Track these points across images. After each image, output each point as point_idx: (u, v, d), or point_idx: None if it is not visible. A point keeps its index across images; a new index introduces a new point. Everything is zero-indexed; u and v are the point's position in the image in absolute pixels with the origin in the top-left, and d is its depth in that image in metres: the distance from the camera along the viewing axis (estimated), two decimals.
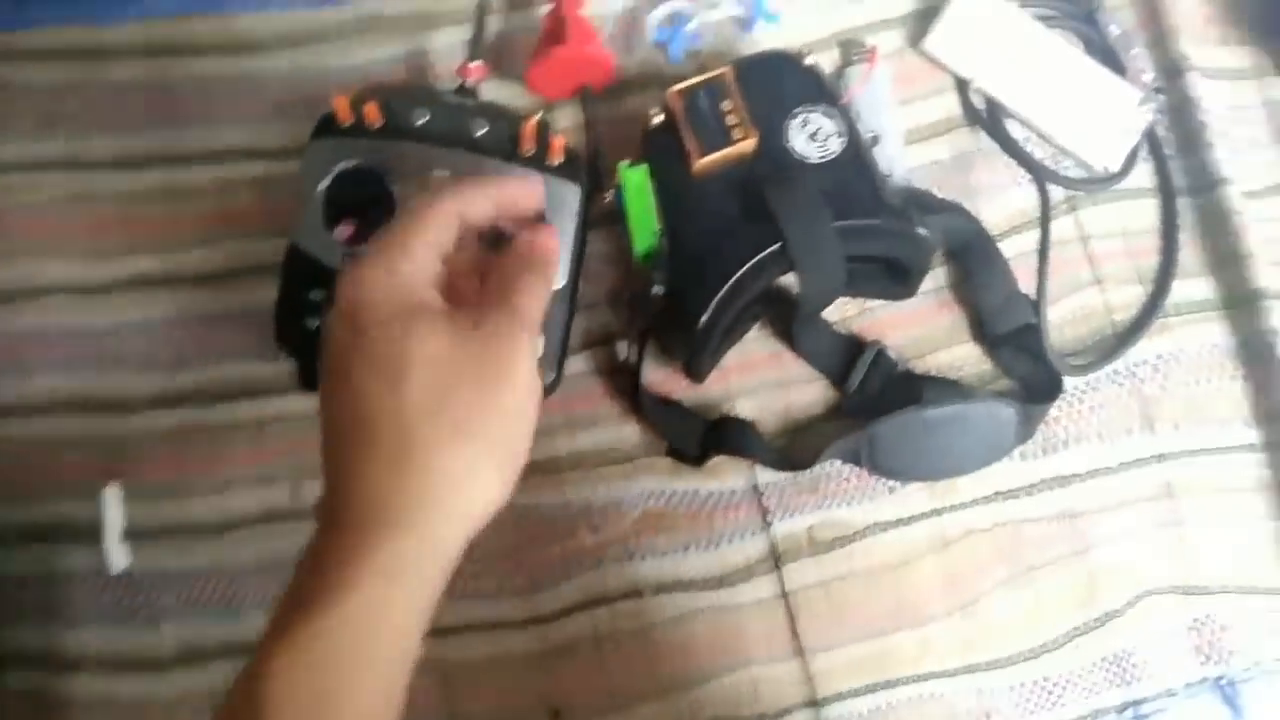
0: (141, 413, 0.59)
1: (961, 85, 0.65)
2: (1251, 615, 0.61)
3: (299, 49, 0.63)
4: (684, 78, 0.60)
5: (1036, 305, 0.60)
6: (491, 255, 0.44)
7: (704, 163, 0.55)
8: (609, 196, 0.57)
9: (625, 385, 0.59)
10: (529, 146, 0.54)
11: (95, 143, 0.62)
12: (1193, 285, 0.64)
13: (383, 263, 0.39)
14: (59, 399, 0.60)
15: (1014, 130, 0.65)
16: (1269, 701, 0.60)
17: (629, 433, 0.60)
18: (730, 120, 0.55)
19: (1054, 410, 0.61)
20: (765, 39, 0.64)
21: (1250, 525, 0.62)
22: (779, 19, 0.64)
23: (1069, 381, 0.60)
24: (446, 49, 0.63)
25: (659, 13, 0.62)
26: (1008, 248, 0.63)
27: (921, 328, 0.62)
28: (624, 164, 0.56)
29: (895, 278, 0.59)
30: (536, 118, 0.54)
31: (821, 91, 0.57)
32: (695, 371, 0.57)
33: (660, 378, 0.60)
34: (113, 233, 0.61)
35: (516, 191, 0.44)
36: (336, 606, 0.35)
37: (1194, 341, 0.63)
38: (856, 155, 0.56)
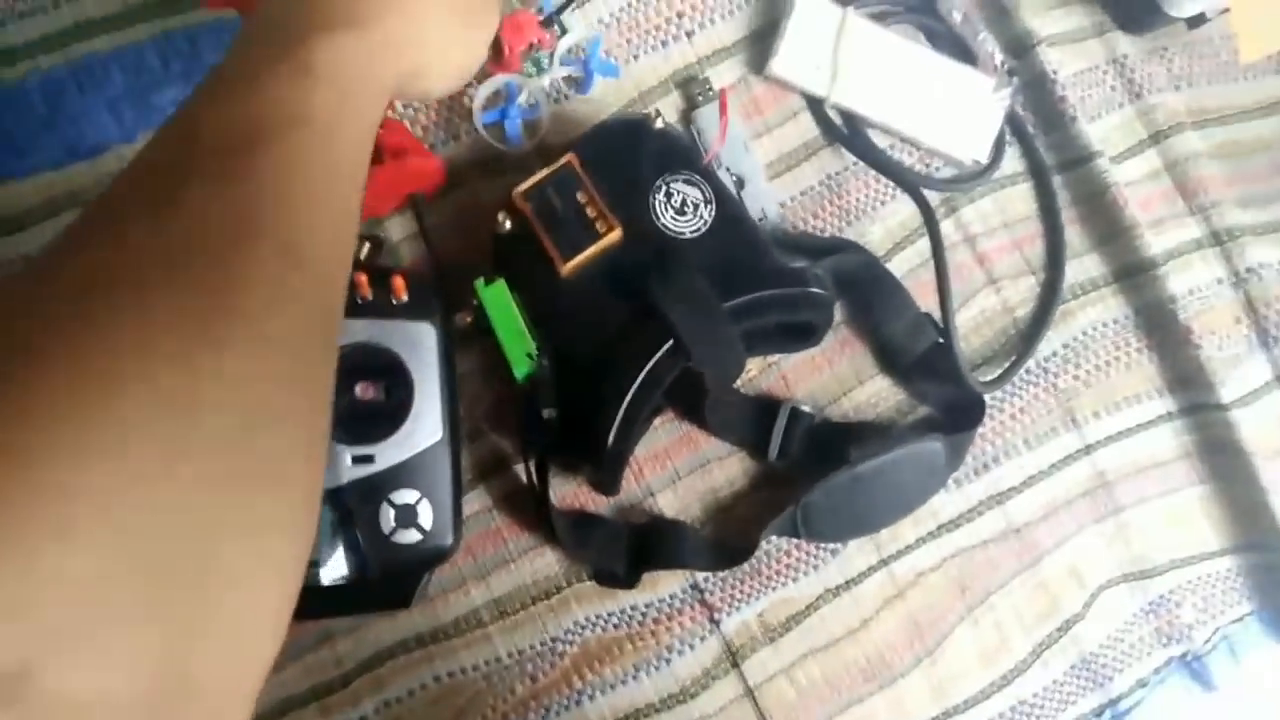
0: None
1: (814, 104, 0.61)
2: (1200, 584, 0.61)
3: (57, 219, 0.53)
4: (525, 157, 0.54)
5: (941, 323, 0.57)
6: None
7: (571, 265, 0.49)
8: (468, 317, 0.50)
9: (531, 513, 0.54)
10: (365, 294, 0.47)
11: None
12: (1083, 264, 0.62)
13: None
14: None
15: (878, 140, 0.61)
16: (1236, 669, 0.60)
17: (548, 562, 0.54)
18: (589, 212, 0.50)
19: (979, 427, 0.58)
20: (604, 94, 0.58)
21: (1181, 494, 0.62)
22: (619, 70, 0.58)
23: (987, 396, 0.58)
24: None
25: (482, 94, 0.55)
26: (898, 265, 0.60)
27: (829, 371, 0.58)
28: (479, 281, 0.50)
29: (797, 334, 0.54)
30: (363, 254, 0.47)
31: (678, 156, 0.52)
32: (609, 489, 0.52)
33: (567, 492, 0.55)
34: None
35: None
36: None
37: (1096, 322, 0.61)
38: (732, 220, 0.51)
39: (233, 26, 0.54)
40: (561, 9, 0.56)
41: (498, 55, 0.54)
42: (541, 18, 0.55)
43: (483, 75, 0.55)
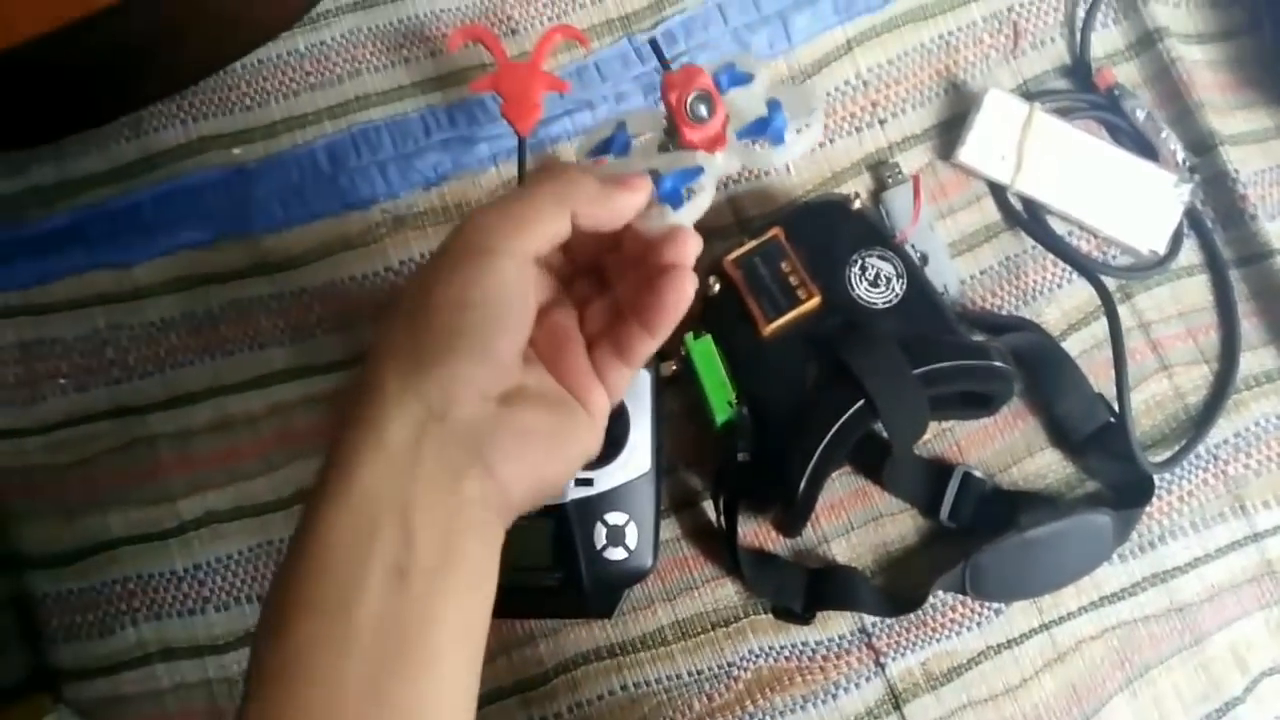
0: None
1: (997, 190, 0.65)
2: None
3: (331, 259, 0.62)
4: (726, 227, 0.60)
5: (1114, 404, 0.60)
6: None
7: (773, 327, 0.55)
8: (674, 366, 0.57)
9: (717, 546, 0.59)
10: None
11: (141, 385, 0.60)
12: (1258, 356, 0.64)
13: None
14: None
15: (1056, 226, 0.65)
16: None
17: (729, 593, 0.59)
18: (792, 280, 0.55)
19: (1147, 506, 0.60)
20: (801, 173, 0.64)
21: None
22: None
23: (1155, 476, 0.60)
24: None
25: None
26: (1072, 345, 0.63)
27: (1001, 441, 0.62)
28: (689, 336, 0.56)
29: (976, 402, 0.59)
30: None
31: (874, 234, 0.57)
32: (792, 532, 0.57)
33: (750, 531, 0.60)
34: (173, 474, 0.59)
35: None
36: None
37: (1269, 414, 0.63)
38: (921, 294, 0.56)
39: (486, 104, 0.63)
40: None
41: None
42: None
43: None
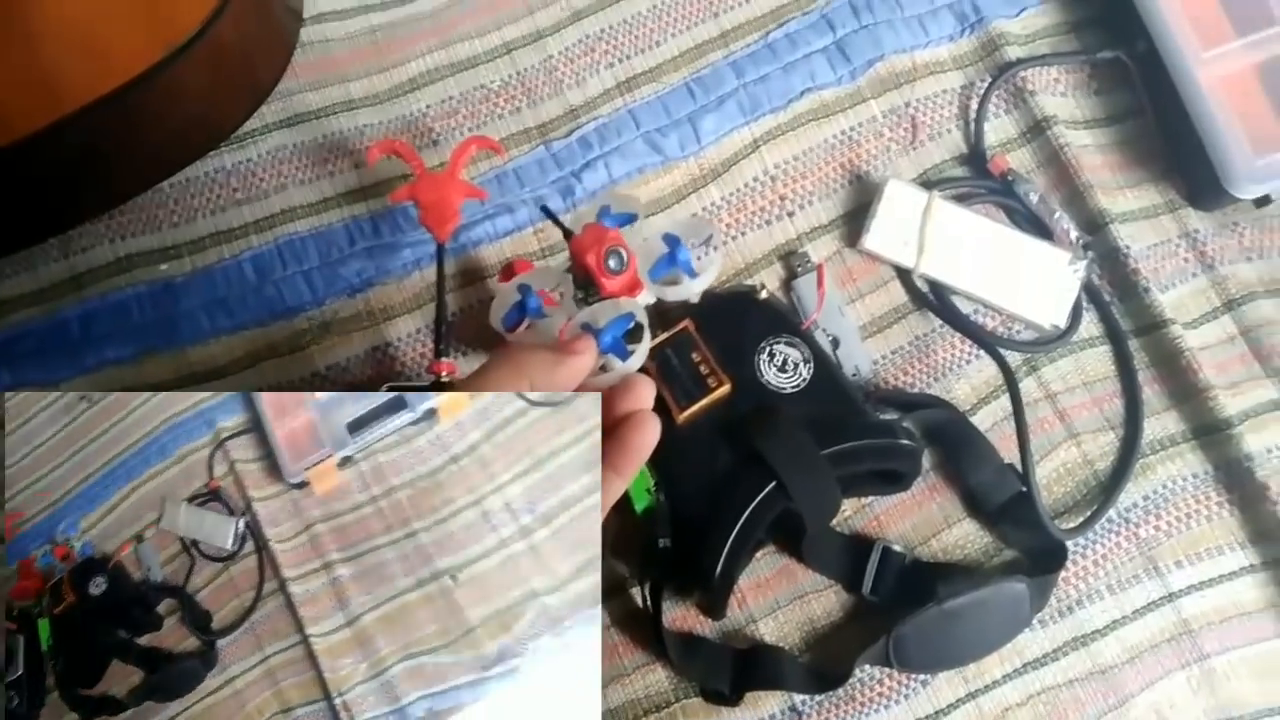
0: None
1: (903, 274, 0.68)
2: None
3: (257, 368, 0.63)
4: None
5: (1023, 474, 0.62)
6: None
7: (686, 415, 0.57)
8: None
9: (646, 632, 0.60)
10: None
11: None
12: (1161, 421, 0.66)
13: None
14: None
15: (961, 305, 0.68)
16: None
17: (659, 678, 0.60)
18: (702, 369, 0.58)
19: (1062, 571, 0.62)
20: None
21: (1267, 644, 0.63)
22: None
23: (1070, 542, 0.62)
24: (408, 337, 0.65)
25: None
26: (982, 419, 0.65)
27: (919, 514, 0.64)
28: None
29: (888, 478, 0.60)
30: None
31: (781, 322, 0.60)
32: (715, 614, 0.58)
33: (677, 615, 0.61)
34: None
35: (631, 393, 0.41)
36: None
37: (1175, 476, 0.65)
38: (828, 377, 0.59)
39: (409, 211, 0.65)
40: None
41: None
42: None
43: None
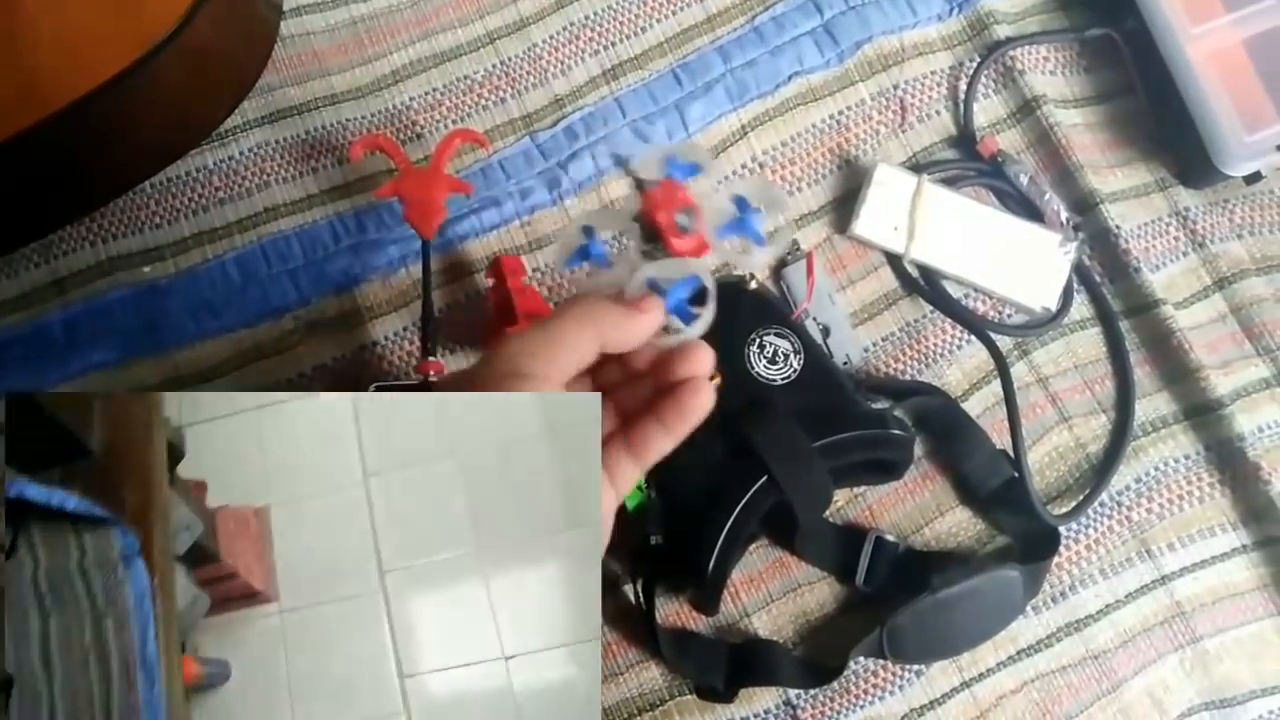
0: None
1: (893, 260, 0.68)
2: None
3: (244, 369, 0.63)
4: None
5: (1015, 460, 0.62)
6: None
7: None
8: None
9: (638, 629, 0.60)
10: None
11: None
12: (1153, 403, 0.66)
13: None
14: None
15: (952, 290, 0.67)
16: None
17: (653, 676, 0.60)
18: None
19: (1054, 557, 0.62)
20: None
21: (1260, 624, 0.64)
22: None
23: (1062, 527, 0.62)
24: (394, 336, 0.64)
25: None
26: (974, 404, 0.65)
27: (912, 502, 0.64)
28: None
29: (880, 468, 0.60)
30: None
31: (770, 312, 0.60)
32: (707, 609, 0.58)
33: (670, 611, 0.61)
34: None
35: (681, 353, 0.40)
36: None
37: (1167, 458, 0.65)
38: (819, 367, 0.58)
39: (394, 207, 0.65)
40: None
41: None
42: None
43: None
